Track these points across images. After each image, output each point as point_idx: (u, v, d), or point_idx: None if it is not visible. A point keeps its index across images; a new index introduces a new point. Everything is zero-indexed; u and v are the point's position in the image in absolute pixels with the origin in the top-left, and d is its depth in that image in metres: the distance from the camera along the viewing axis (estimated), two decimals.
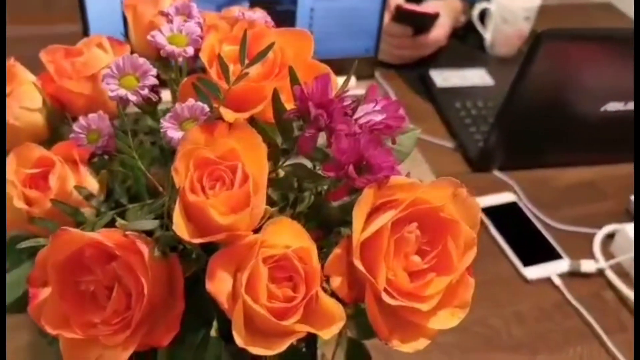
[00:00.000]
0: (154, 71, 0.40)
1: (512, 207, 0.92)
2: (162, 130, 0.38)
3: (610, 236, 0.90)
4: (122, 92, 0.39)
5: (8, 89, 0.41)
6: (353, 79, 0.93)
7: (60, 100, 0.44)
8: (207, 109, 0.39)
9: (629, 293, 0.82)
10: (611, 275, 0.85)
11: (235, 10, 0.48)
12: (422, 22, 1.09)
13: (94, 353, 0.33)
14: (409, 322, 0.36)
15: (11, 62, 0.42)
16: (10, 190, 0.38)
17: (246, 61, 0.39)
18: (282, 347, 0.32)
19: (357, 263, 0.34)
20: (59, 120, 0.44)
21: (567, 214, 0.93)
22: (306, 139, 0.37)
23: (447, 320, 0.36)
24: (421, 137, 1.00)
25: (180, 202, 0.33)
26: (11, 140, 0.42)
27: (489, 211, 0.91)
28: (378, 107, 0.39)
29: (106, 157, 0.41)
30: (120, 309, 0.33)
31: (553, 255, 0.86)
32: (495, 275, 0.85)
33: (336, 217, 0.41)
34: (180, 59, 0.43)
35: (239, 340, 0.32)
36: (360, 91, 0.79)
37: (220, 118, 0.39)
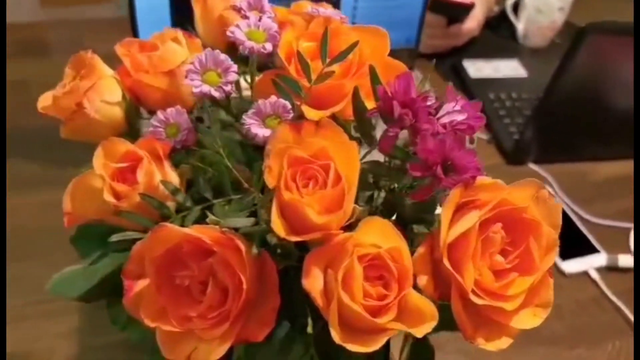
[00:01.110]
0: (235, 67, 0.40)
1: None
2: (245, 127, 0.39)
3: None
4: (206, 88, 0.39)
5: (89, 82, 0.41)
6: None
7: (136, 94, 0.44)
8: (289, 106, 0.39)
9: None
10: None
11: (307, 6, 0.48)
12: (457, 13, 1.08)
13: (190, 346, 0.34)
14: (492, 321, 0.37)
15: (89, 55, 0.43)
16: (97, 183, 0.38)
17: (327, 59, 0.39)
18: (377, 344, 0.32)
19: (446, 263, 0.34)
20: (135, 114, 0.44)
21: (604, 208, 0.93)
22: (389, 138, 0.38)
23: (529, 319, 0.37)
24: None
25: (276, 200, 0.34)
26: (91, 133, 0.43)
27: None
28: (458, 107, 0.39)
29: (184, 151, 0.42)
30: (214, 304, 0.34)
31: (590, 250, 0.87)
32: None
33: (410, 214, 0.41)
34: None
35: (336, 337, 0.32)
36: None
37: (301, 115, 0.39)
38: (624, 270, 0.85)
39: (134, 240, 0.46)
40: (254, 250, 0.33)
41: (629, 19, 1.36)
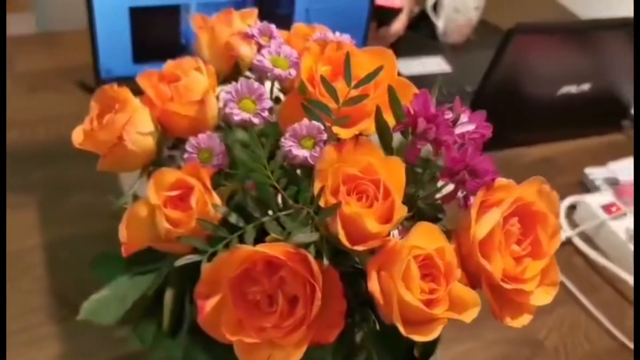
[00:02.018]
0: (267, 94, 0.44)
1: None
2: (285, 149, 0.42)
3: (571, 207, 1.01)
4: (246, 115, 0.43)
5: (125, 116, 0.43)
6: None
7: (163, 123, 0.46)
8: (322, 127, 0.43)
9: (595, 257, 0.93)
10: (579, 242, 0.96)
11: (304, 29, 0.53)
12: (387, 16, 1.15)
13: (265, 353, 0.37)
14: (514, 302, 0.43)
15: (118, 88, 0.45)
16: (147, 212, 0.41)
17: (352, 82, 0.44)
18: (436, 333, 0.38)
19: (480, 259, 0.40)
20: (164, 142, 0.46)
21: None
22: (415, 150, 0.43)
23: (543, 297, 0.43)
24: None
25: (338, 215, 0.38)
26: (127, 164, 0.45)
27: None
28: (466, 118, 0.45)
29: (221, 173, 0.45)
30: (285, 313, 0.38)
31: None
32: None
33: (428, 214, 0.47)
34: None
35: (402, 330, 0.37)
36: None
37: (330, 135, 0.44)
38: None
39: (154, 263, 0.49)
40: (325, 262, 0.37)
41: (535, 14, 1.50)
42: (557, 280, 0.44)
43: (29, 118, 1.01)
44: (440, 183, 0.44)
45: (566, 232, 0.97)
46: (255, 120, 0.43)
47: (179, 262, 0.39)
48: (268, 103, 0.43)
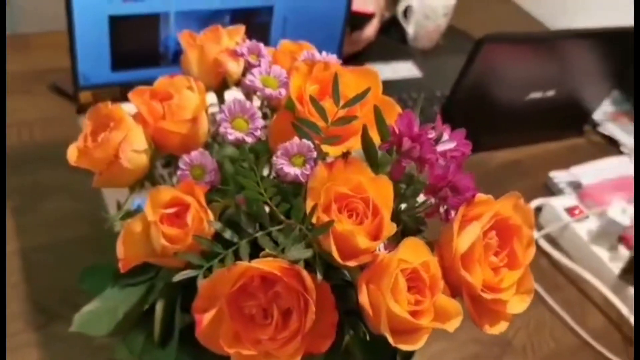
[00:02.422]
0: (259, 113, 0.46)
1: None
2: (277, 167, 0.44)
3: (537, 210, 1.05)
4: (240, 135, 0.44)
5: (120, 134, 0.44)
6: None
7: (156, 140, 0.48)
8: (312, 146, 0.45)
9: (559, 257, 0.98)
10: (543, 243, 1.00)
11: (289, 46, 0.54)
12: (359, 22, 1.17)
13: None
14: (492, 310, 0.45)
15: (112, 106, 0.46)
16: (143, 228, 0.42)
17: (340, 102, 0.46)
18: (422, 342, 0.40)
19: (462, 272, 0.43)
20: (156, 159, 0.48)
21: (499, 193, 1.06)
22: (400, 168, 0.45)
23: (519, 304, 0.46)
24: None
25: (331, 232, 0.40)
26: (121, 180, 0.46)
27: None
28: (447, 136, 0.47)
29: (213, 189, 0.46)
30: (279, 326, 0.40)
31: None
32: None
33: (411, 227, 0.49)
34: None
35: (391, 340, 0.39)
36: None
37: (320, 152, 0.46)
38: None
39: (144, 275, 0.50)
40: (319, 277, 0.39)
41: (501, 19, 1.54)
42: (531, 288, 0.47)
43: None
44: (422, 197, 0.47)
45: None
46: (249, 139, 0.45)
47: (177, 278, 0.41)
48: (260, 122, 0.45)
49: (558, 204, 1.02)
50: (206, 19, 0.82)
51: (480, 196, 0.46)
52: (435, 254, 0.45)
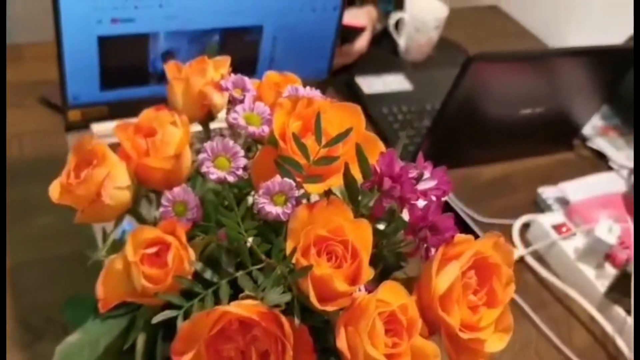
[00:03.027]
0: (242, 152, 0.46)
1: (444, 205, 1.05)
2: (259, 206, 0.45)
3: (525, 225, 1.06)
4: (222, 174, 0.45)
5: (103, 171, 0.44)
6: None
7: (139, 175, 0.48)
8: (293, 184, 0.45)
9: (546, 275, 0.98)
10: (530, 260, 1.00)
11: (275, 77, 0.55)
12: (350, 35, 1.17)
13: None
14: (470, 349, 0.46)
15: (96, 142, 0.46)
16: (123, 267, 0.42)
17: (323, 140, 0.46)
18: None
19: (441, 313, 0.43)
20: (139, 193, 0.48)
21: (489, 208, 1.07)
22: (381, 207, 0.46)
23: (497, 343, 0.47)
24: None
25: (309, 277, 0.40)
26: (103, 216, 0.46)
27: None
28: (428, 174, 0.48)
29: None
30: None
31: None
32: None
33: (392, 263, 0.50)
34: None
35: None
36: None
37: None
38: None
39: (125, 307, 0.50)
40: (297, 321, 0.39)
41: (494, 31, 1.54)
42: (510, 325, 0.48)
43: None
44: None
45: (519, 250, 1.01)
46: (230, 179, 0.45)
47: (156, 319, 0.41)
48: (242, 161, 0.45)
49: (546, 221, 1.03)
50: (196, 38, 0.82)
51: (460, 236, 0.46)
52: (414, 292, 0.46)
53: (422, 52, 1.32)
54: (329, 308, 0.40)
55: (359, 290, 0.44)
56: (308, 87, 0.51)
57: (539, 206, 1.11)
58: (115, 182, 0.45)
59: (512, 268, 0.48)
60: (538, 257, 1.02)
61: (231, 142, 0.45)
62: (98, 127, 0.86)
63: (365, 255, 0.41)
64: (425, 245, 0.46)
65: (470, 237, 0.47)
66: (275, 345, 0.40)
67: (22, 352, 0.73)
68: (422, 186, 0.47)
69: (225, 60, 0.55)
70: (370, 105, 1.18)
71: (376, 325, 0.41)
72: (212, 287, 0.43)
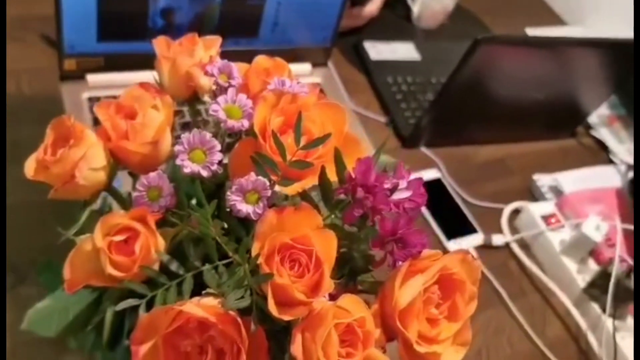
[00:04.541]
0: (218, 147, 0.46)
1: (437, 183, 1.05)
2: (230, 203, 0.45)
3: (516, 211, 1.06)
4: (195, 167, 0.44)
5: (79, 151, 0.44)
6: (308, 66, 1.00)
7: (117, 156, 0.48)
8: (267, 183, 0.45)
9: (529, 264, 0.99)
10: (516, 248, 1.01)
11: (265, 62, 0.54)
12: None
13: None
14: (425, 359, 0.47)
15: (74, 122, 0.46)
16: (92, 250, 0.43)
17: (302, 141, 0.46)
18: None
19: (399, 325, 0.44)
20: (115, 173, 0.48)
21: (482, 190, 1.07)
22: (352, 215, 0.46)
23: (453, 356, 0.48)
24: (358, 110, 1.10)
25: (270, 285, 0.41)
26: (77, 194, 0.47)
27: None
28: (405, 184, 0.48)
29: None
30: None
31: (470, 230, 1.01)
32: None
33: (361, 267, 0.50)
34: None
35: None
36: (316, 78, 0.91)
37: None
38: (496, 247, 1.01)
39: None
40: (253, 327, 0.40)
41: (513, 5, 1.50)
42: (468, 340, 0.48)
43: None
44: None
45: (506, 236, 1.02)
46: (204, 173, 0.45)
47: (119, 307, 0.42)
48: (218, 156, 0.45)
49: (536, 210, 1.03)
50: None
51: (427, 252, 0.46)
52: (378, 298, 0.46)
53: (436, 20, 1.29)
54: (286, 317, 0.41)
55: (325, 297, 0.44)
56: (295, 81, 0.50)
57: (533, 193, 1.11)
58: (91, 164, 0.45)
59: (477, 285, 0.48)
60: (524, 245, 1.03)
61: (208, 136, 0.45)
62: (93, 78, 0.86)
63: (327, 267, 0.42)
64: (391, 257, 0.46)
65: (437, 252, 0.47)
66: (231, 347, 0.40)
67: (7, 293, 0.75)
68: (396, 196, 0.47)
69: (216, 40, 0.54)
70: (374, 72, 1.17)
71: (332, 335, 0.41)
72: (176, 280, 0.44)
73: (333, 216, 0.47)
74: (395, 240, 0.45)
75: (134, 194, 0.46)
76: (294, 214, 0.44)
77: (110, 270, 0.42)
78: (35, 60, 1.00)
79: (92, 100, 0.85)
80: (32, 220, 0.83)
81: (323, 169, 0.46)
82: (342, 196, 0.46)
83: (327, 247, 0.42)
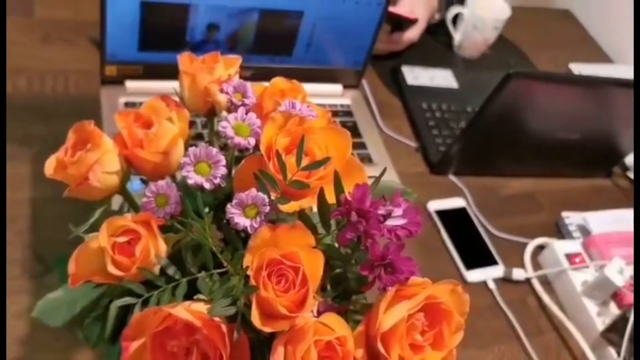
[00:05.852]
0: (224, 161, 0.48)
1: (461, 212, 1.05)
2: (229, 215, 0.47)
3: (540, 247, 1.05)
4: (199, 179, 0.47)
5: (95, 155, 0.48)
6: (339, 87, 1.02)
7: (130, 162, 0.51)
8: (267, 199, 0.47)
9: (548, 301, 0.98)
10: (536, 284, 1.00)
11: (282, 84, 0.56)
12: (400, 24, 1.16)
13: None
14: None
15: (94, 128, 0.49)
16: (97, 249, 0.46)
17: (303, 162, 0.48)
18: None
19: (381, 348, 0.45)
20: (128, 178, 0.51)
21: (507, 223, 1.07)
22: (346, 238, 0.47)
23: None
24: (388, 133, 1.11)
25: (255, 297, 0.43)
26: (90, 195, 0.50)
27: (442, 214, 1.04)
28: (400, 212, 0.49)
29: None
30: None
31: (490, 261, 1.01)
32: (441, 274, 0.97)
33: (353, 287, 0.51)
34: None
35: None
36: (345, 100, 0.92)
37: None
38: (516, 282, 1.00)
39: None
40: (235, 335, 0.42)
41: (558, 38, 1.49)
42: None
43: (40, 67, 1.04)
44: None
45: (528, 272, 1.01)
46: (207, 185, 0.47)
47: (117, 304, 0.45)
48: (222, 170, 0.48)
49: (561, 247, 1.02)
50: (235, 14, 0.83)
51: (415, 279, 0.47)
52: (363, 324, 0.47)
53: (477, 50, 1.29)
54: (267, 329, 0.42)
55: (313, 311, 0.46)
56: (306, 105, 0.52)
57: (560, 230, 1.10)
58: (105, 167, 0.48)
59: (465, 317, 0.49)
60: (545, 281, 1.02)
61: (214, 151, 0.48)
62: (131, 85, 0.90)
63: (313, 285, 0.43)
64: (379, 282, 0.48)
65: (426, 280, 0.48)
66: (214, 352, 0.43)
67: (32, 280, 0.79)
68: (390, 222, 0.48)
69: (236, 60, 0.57)
70: (409, 97, 1.18)
71: (311, 350, 0.43)
72: (172, 283, 0.46)
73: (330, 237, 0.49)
74: (384, 265, 0.46)
75: (143, 200, 0.49)
76: (288, 232, 0.46)
77: (111, 268, 0.45)
78: (84, 62, 1.05)
79: (129, 105, 0.89)
80: (66, 213, 0.86)
81: (322, 190, 0.48)
82: (339, 218, 0.48)
83: (314, 266, 0.44)
